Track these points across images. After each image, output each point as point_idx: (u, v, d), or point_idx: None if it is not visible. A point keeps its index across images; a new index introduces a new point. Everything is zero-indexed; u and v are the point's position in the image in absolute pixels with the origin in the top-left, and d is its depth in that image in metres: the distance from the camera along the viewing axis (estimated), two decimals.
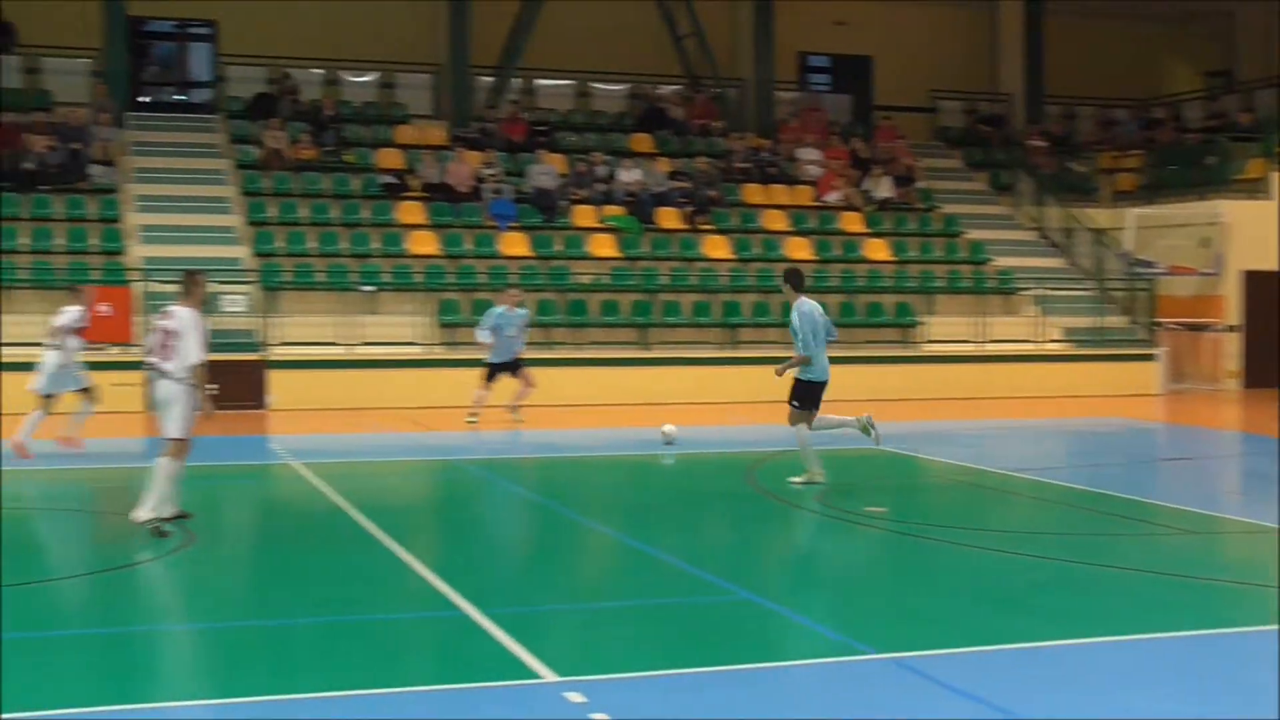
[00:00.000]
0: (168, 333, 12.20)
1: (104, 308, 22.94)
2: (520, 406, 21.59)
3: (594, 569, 11.60)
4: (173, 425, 12.20)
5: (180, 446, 12.27)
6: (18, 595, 9.91)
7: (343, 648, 8.43)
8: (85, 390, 17.95)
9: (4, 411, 21.63)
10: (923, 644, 8.38)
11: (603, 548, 12.48)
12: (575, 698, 7.23)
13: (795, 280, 15.16)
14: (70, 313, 17.61)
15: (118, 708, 7.17)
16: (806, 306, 14.80)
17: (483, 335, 21.59)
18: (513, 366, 21.56)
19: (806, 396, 14.93)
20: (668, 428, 18.32)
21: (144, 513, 12.20)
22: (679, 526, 13.34)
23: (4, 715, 6.94)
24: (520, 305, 22.06)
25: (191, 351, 12.06)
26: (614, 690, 7.48)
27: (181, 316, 12.26)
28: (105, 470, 17.25)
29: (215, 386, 12.92)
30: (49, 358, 17.78)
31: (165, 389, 12.22)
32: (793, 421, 15.01)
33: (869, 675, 7.84)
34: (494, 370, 21.50)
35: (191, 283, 12.60)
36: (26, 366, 22.77)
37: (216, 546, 12.15)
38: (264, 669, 8.06)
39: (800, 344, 14.83)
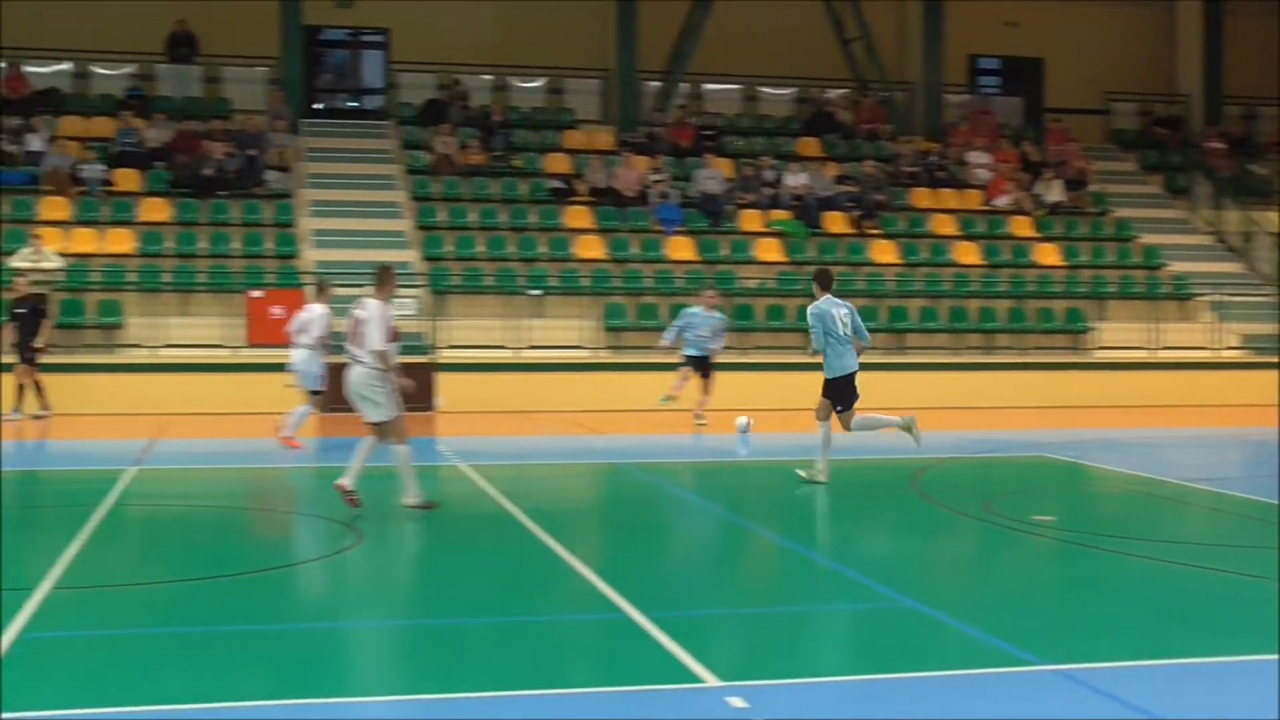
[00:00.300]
0: (358, 321, 13.16)
1: (276, 310, 23.49)
2: (703, 412, 21.52)
3: (757, 573, 11.57)
4: (374, 411, 13.13)
5: (398, 426, 13.16)
6: (188, 590, 10.18)
7: (507, 648, 8.50)
8: (317, 393, 18.32)
9: (186, 411, 22.26)
10: (1091, 656, 8.22)
11: (766, 552, 12.44)
12: (737, 703, 7.21)
13: (824, 280, 15.46)
14: (316, 310, 18.04)
15: (285, 702, 7.31)
16: (821, 307, 15.05)
17: (667, 337, 21.67)
18: (703, 366, 21.49)
19: (830, 392, 15.29)
20: (742, 419, 19.18)
21: (410, 499, 13.29)
22: (842, 532, 13.26)
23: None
24: (717, 308, 22.03)
25: (374, 338, 12.90)
26: (776, 696, 7.45)
27: (370, 307, 13.19)
28: (278, 469, 17.62)
29: (410, 381, 13.51)
30: (299, 355, 18.19)
31: (357, 376, 13.10)
32: (819, 414, 15.39)
33: (1034, 686, 7.71)
34: (689, 361, 21.56)
35: (384, 277, 13.56)
36: (206, 368, 23.47)
37: (384, 546, 12.35)
38: (430, 668, 8.17)
39: (816, 342, 15.24)
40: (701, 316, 21.42)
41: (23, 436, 20.19)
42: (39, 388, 22.11)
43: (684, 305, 23.33)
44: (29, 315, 22.01)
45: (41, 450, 18.96)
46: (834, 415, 15.25)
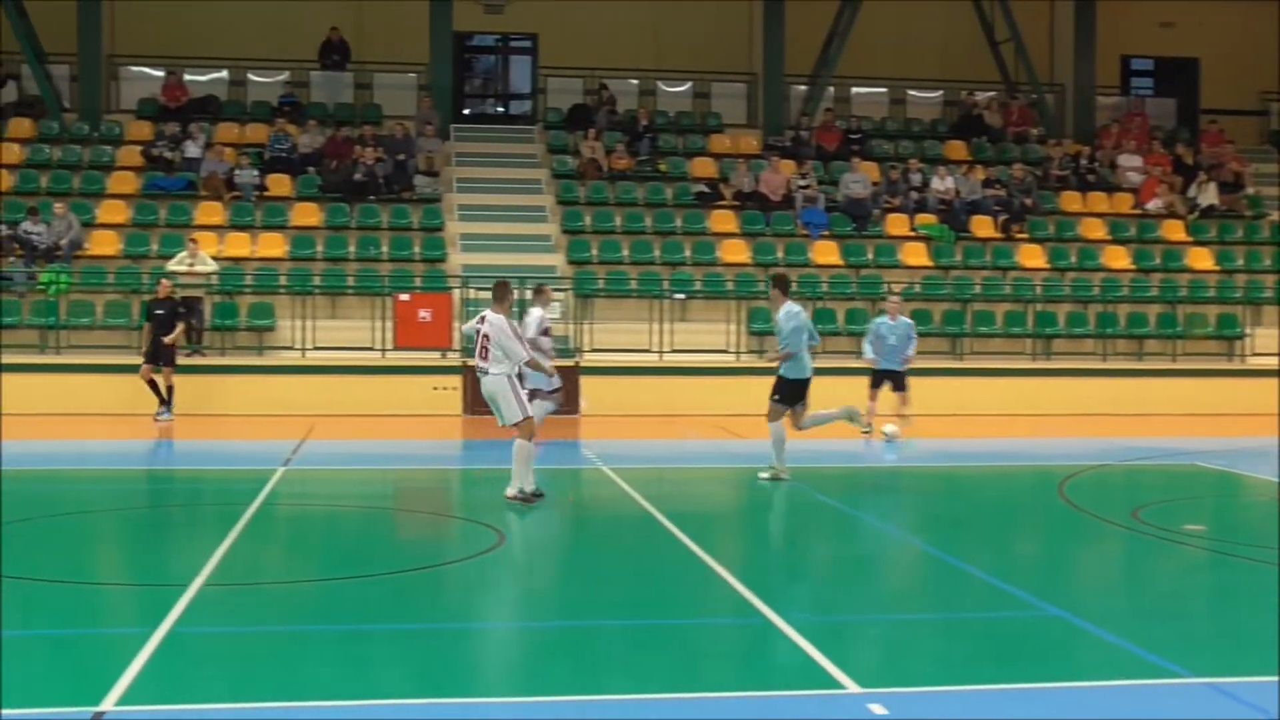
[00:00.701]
0: (485, 336, 13.79)
1: (424, 314, 23.77)
2: (904, 416, 20.87)
3: (899, 580, 11.47)
4: (509, 413, 13.87)
5: (525, 427, 13.91)
6: (333, 589, 10.35)
7: (648, 651, 8.53)
8: (555, 391, 18.34)
9: (334, 413, 22.63)
10: (1240, 669, 8.04)
11: (909, 559, 12.33)
12: (878, 709, 7.17)
13: (783, 285, 16.52)
14: (536, 313, 18.26)
15: (426, 701, 7.40)
16: (794, 309, 16.13)
17: (866, 352, 21.00)
18: (896, 377, 20.76)
19: (788, 393, 16.16)
20: (889, 428, 19.01)
21: (511, 490, 14.07)
22: (988, 540, 13.10)
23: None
24: (903, 314, 21.38)
25: (515, 350, 13.74)
26: (917, 703, 7.39)
27: (493, 322, 13.84)
28: (423, 471, 17.85)
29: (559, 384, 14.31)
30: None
31: (488, 384, 13.89)
32: (771, 417, 16.10)
33: (1181, 698, 7.55)
34: (878, 378, 20.86)
35: (502, 291, 14.31)
36: (354, 370, 23.83)
37: (527, 548, 12.46)
38: (570, 669, 8.21)
39: (784, 343, 16.11)
40: (888, 325, 20.78)
41: (171, 436, 20.66)
42: (167, 389, 22.20)
43: (825, 308, 23.21)
44: (166, 316, 22.29)
45: (194, 450, 19.39)
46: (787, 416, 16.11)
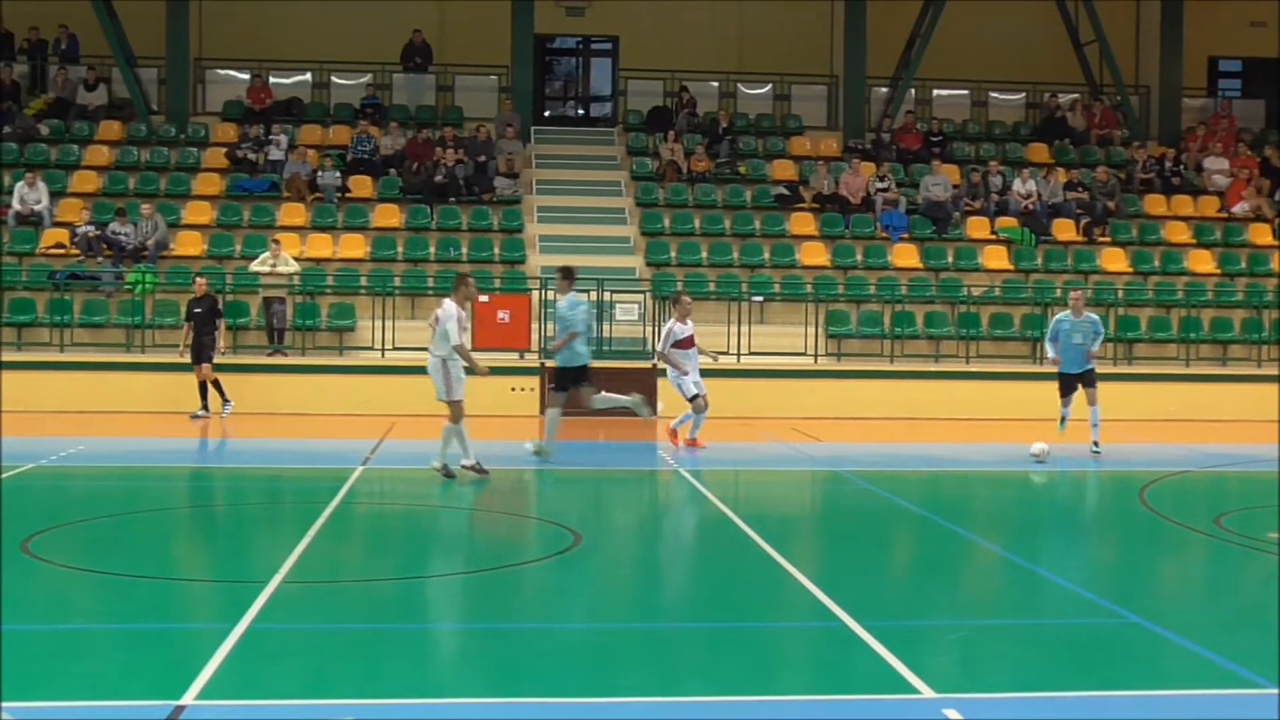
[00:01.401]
0: (435, 319, 15.63)
1: (503, 315, 23.87)
2: (1098, 426, 19.09)
3: (976, 585, 11.39)
4: (439, 392, 15.67)
5: (455, 409, 15.63)
6: (409, 588, 10.42)
7: (724, 653, 8.52)
8: (695, 398, 19.01)
9: (412, 413, 22.75)
10: None
11: (986, 564, 12.24)
12: (953, 715, 7.12)
13: (569, 276, 18.05)
14: (669, 326, 19.35)
15: (499, 700, 7.44)
16: (576, 299, 17.85)
17: (1049, 349, 19.53)
18: (1084, 378, 19.22)
19: (561, 380, 17.83)
20: (1037, 446, 17.97)
21: (436, 462, 15.72)
22: (1066, 545, 12.99)
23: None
24: (1087, 312, 19.64)
25: (451, 334, 15.42)
26: (992, 709, 7.34)
27: (445, 307, 15.62)
28: (500, 471, 17.91)
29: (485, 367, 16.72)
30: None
31: (430, 364, 15.68)
32: (549, 404, 17.72)
33: (1262, 709, 7.45)
34: (1065, 381, 19.32)
35: (459, 283, 16.00)
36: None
37: (603, 549, 12.48)
38: (645, 671, 8.22)
39: (561, 330, 17.77)
40: (1070, 322, 19.18)
41: (231, 433, 20.88)
42: (214, 386, 22.31)
43: (878, 315, 22.96)
44: (205, 315, 22.42)
45: (274, 449, 19.57)
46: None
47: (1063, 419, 19.34)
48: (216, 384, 22.28)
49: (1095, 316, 19.64)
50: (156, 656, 8.28)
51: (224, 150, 29.59)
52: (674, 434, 19.18)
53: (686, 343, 19.23)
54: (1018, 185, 29.63)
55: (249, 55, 32.07)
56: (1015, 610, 10.16)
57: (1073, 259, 28.41)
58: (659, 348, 19.59)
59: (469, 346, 15.90)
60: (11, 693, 7.15)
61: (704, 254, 27.82)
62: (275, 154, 29.22)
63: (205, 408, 22.17)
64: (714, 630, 9.14)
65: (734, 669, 8.10)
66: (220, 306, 22.89)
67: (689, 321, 19.32)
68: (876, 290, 26.87)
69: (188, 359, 22.30)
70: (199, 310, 22.34)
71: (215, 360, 22.26)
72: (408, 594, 10.25)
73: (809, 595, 10.08)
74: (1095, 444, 18.80)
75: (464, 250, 27.54)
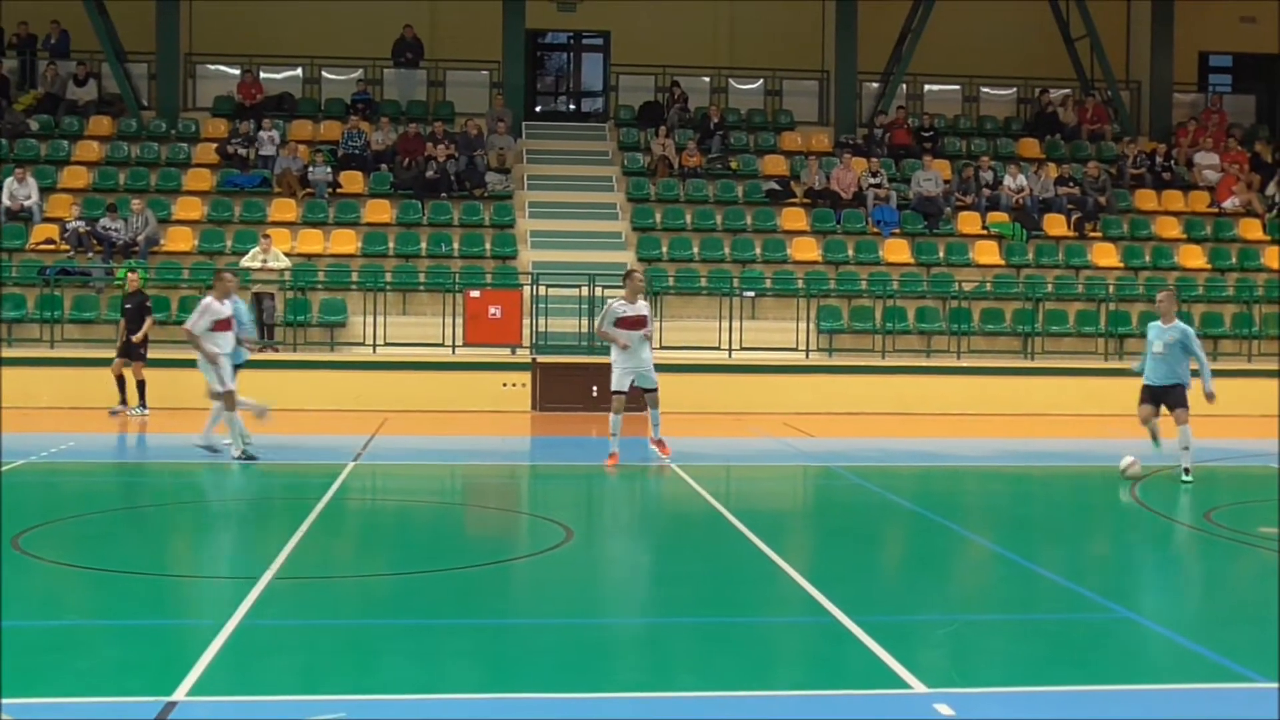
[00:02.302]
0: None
1: (494, 310, 23.87)
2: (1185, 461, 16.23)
3: (968, 580, 11.40)
4: (209, 383, 16.64)
5: (226, 399, 16.59)
6: (402, 584, 10.41)
7: (715, 649, 8.53)
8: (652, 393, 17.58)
9: (404, 408, 22.75)
10: None
11: (978, 559, 12.26)
12: (944, 710, 7.13)
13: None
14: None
15: (493, 696, 7.44)
16: (237, 304, 17.42)
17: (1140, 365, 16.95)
18: (1167, 394, 16.31)
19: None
20: (1126, 461, 16.25)
21: (197, 438, 16.81)
22: (1058, 540, 13.00)
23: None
24: (1179, 319, 16.60)
25: (189, 320, 16.64)
26: (984, 704, 7.35)
27: (201, 303, 16.61)
28: (492, 466, 17.91)
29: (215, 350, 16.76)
30: None
31: (200, 361, 16.72)
32: (229, 405, 17.09)
33: (1252, 703, 7.47)
34: (1148, 395, 16.57)
35: (217, 278, 17.19)
36: (424, 366, 23.97)
37: (595, 544, 12.48)
38: (638, 666, 8.23)
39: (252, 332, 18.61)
40: (1158, 329, 16.49)
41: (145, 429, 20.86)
42: (138, 385, 22.08)
43: (870, 309, 22.92)
44: (135, 311, 22.26)
45: (266, 445, 19.55)
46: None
47: (1152, 434, 16.81)
48: (141, 385, 22.04)
49: (1186, 327, 16.47)
50: (148, 652, 8.27)
51: (214, 146, 29.54)
52: (660, 443, 17.34)
53: (633, 323, 16.88)
54: (1009, 180, 29.65)
55: (239, 50, 32.03)
56: (1007, 605, 10.18)
57: (1064, 254, 28.44)
58: (597, 324, 17.58)
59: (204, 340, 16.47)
60: (4, 689, 7.13)
61: (695, 249, 27.83)
62: (266, 149, 29.18)
63: (124, 402, 22.03)
64: (706, 626, 9.14)
65: (726, 664, 8.11)
66: (149, 304, 22.66)
67: (640, 301, 17.09)
68: (868, 285, 26.88)
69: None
70: (129, 307, 22.20)
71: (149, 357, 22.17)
72: (400, 589, 10.25)
73: (801, 591, 10.09)
74: (1121, 465, 16.36)
75: (455, 245, 27.52)
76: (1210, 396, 16.18)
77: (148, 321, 22.32)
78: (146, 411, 21.94)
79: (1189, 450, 15.97)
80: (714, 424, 22.17)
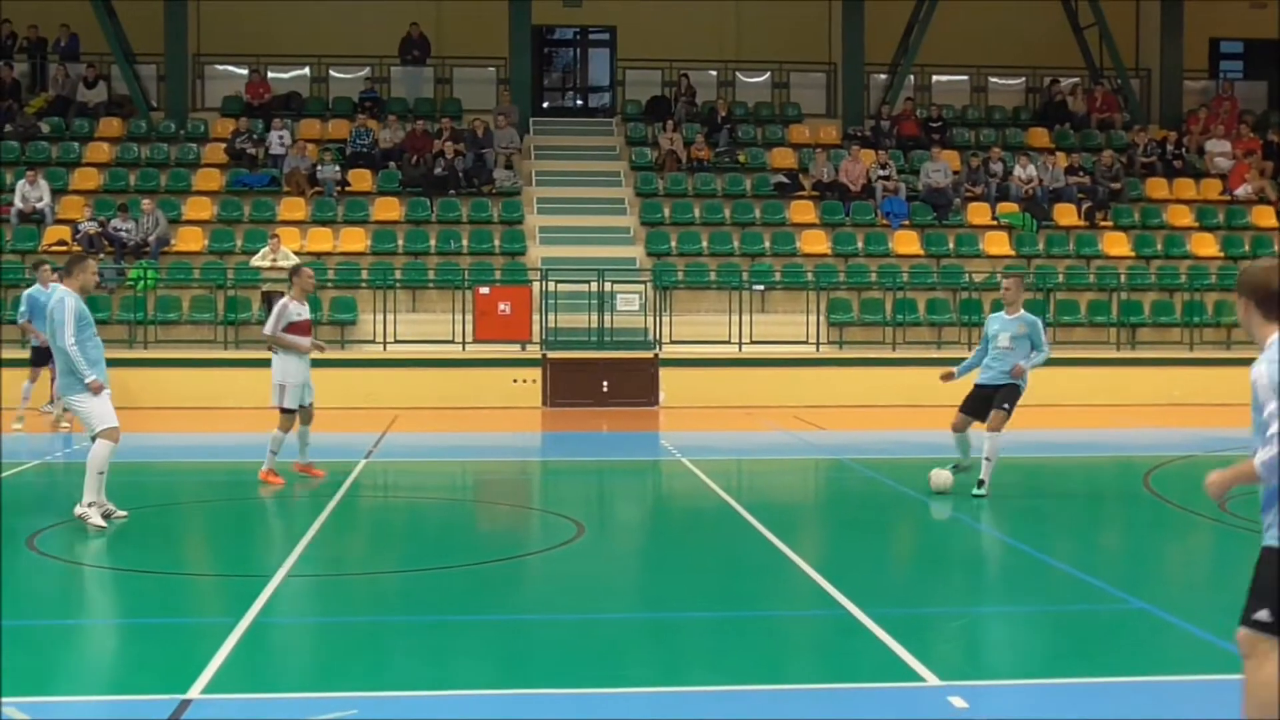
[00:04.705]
0: None
1: (504, 307, 23.89)
2: None
3: (981, 572, 11.38)
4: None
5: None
6: (415, 580, 10.42)
7: (729, 643, 8.52)
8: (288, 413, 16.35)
9: (415, 405, 22.77)
10: None
11: (990, 551, 12.24)
12: (958, 702, 7.12)
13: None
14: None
15: (507, 692, 7.44)
16: (63, 295, 12.58)
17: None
18: (996, 395, 14.13)
19: None
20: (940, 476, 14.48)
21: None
22: (1071, 531, 12.97)
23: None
24: (1024, 309, 14.48)
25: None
26: (998, 696, 7.33)
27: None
28: (503, 463, 17.92)
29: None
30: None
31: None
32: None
33: None
34: (977, 400, 14.46)
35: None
36: (435, 363, 23.98)
37: (606, 539, 12.48)
38: (650, 661, 8.22)
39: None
40: (1001, 320, 14.34)
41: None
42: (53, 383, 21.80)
43: (880, 301, 22.81)
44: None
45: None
46: None
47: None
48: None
49: (1034, 317, 14.47)
50: (163, 651, 8.28)
51: (223, 145, 29.57)
52: (309, 467, 15.30)
53: (305, 328, 15.15)
54: (1018, 170, 29.60)
55: (247, 50, 32.04)
56: (1020, 597, 10.15)
57: (1074, 244, 28.39)
58: (266, 329, 15.23)
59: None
60: (19, 688, 7.15)
61: (704, 243, 27.81)
62: (275, 148, 29.20)
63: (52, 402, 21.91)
64: (718, 620, 9.14)
65: (739, 658, 8.10)
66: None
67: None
68: (878, 278, 26.85)
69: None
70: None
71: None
72: (412, 586, 10.25)
73: (813, 584, 10.07)
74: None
75: (464, 242, 27.53)
76: (1021, 374, 13.96)
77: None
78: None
79: (991, 462, 14.00)
80: (724, 418, 22.16)
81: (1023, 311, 14.13)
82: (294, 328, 14.86)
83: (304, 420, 15.07)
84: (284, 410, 14.77)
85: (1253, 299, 5.79)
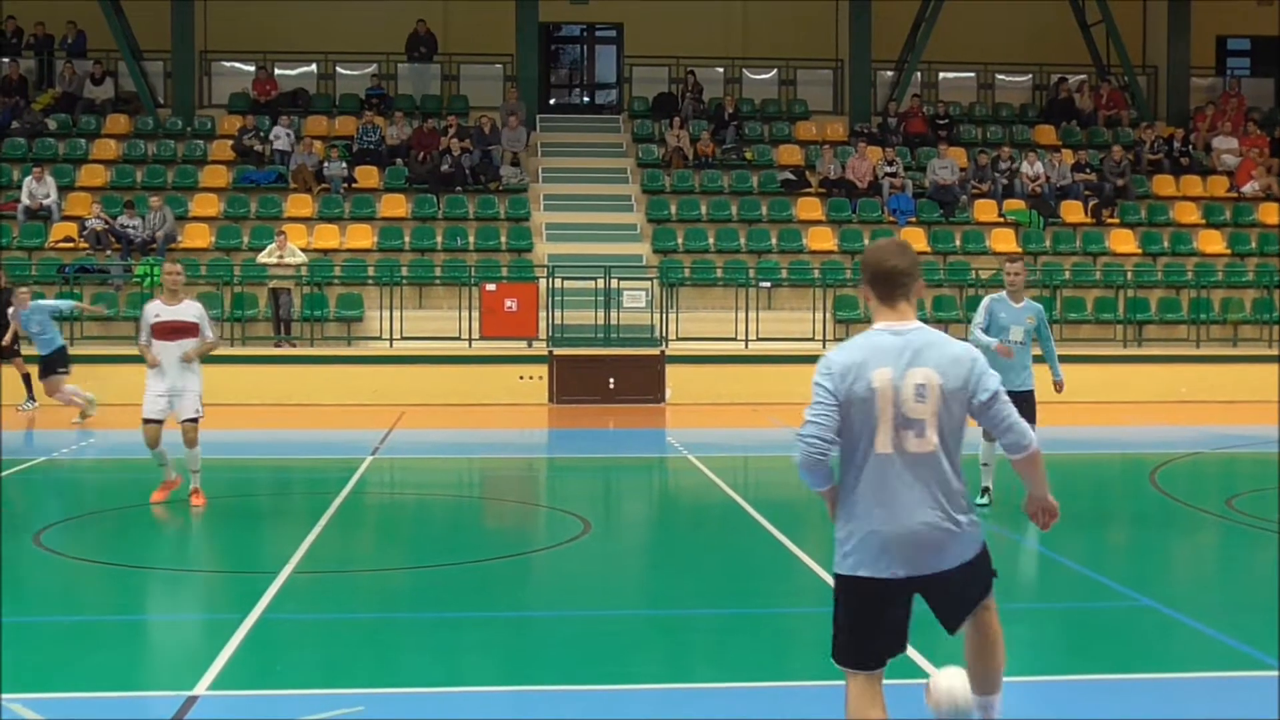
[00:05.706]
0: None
1: (510, 303, 23.89)
2: None
3: None
4: None
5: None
6: (420, 577, 10.43)
7: (734, 639, 8.52)
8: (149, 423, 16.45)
9: (421, 402, 22.77)
10: None
11: (996, 547, 12.11)
12: None
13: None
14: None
15: (512, 689, 7.44)
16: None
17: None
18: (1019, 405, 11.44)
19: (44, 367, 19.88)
20: None
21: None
22: (1078, 529, 12.92)
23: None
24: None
25: None
26: (1004, 693, 7.30)
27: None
28: (510, 460, 17.93)
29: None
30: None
31: None
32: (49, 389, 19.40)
33: (1274, 691, 7.43)
34: None
35: None
36: (441, 360, 23.99)
37: (613, 536, 12.48)
38: (657, 658, 8.23)
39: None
40: (1011, 310, 13.07)
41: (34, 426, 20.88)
42: (24, 380, 21.80)
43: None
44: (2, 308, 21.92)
45: (284, 440, 19.59)
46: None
47: None
48: (26, 378, 21.72)
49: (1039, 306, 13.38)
50: (169, 647, 8.30)
51: (230, 142, 29.59)
52: (197, 492, 13.23)
53: (170, 330, 12.76)
54: (1025, 167, 29.57)
55: (254, 47, 32.06)
56: (1026, 594, 10.15)
57: (1081, 241, 28.36)
58: (139, 337, 13.08)
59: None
60: (26, 684, 7.16)
61: (711, 240, 27.80)
62: (282, 145, 29.22)
63: (31, 398, 21.87)
64: (725, 617, 9.14)
65: (745, 655, 8.10)
66: (13, 300, 21.87)
67: (186, 302, 12.97)
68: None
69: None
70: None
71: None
72: (418, 583, 10.26)
73: (819, 581, 10.06)
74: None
75: (471, 239, 27.53)
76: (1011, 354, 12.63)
77: (13, 327, 21.59)
78: (35, 405, 21.78)
79: (990, 467, 13.06)
80: (731, 415, 22.16)
81: (1027, 300, 13.15)
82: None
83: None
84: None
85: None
